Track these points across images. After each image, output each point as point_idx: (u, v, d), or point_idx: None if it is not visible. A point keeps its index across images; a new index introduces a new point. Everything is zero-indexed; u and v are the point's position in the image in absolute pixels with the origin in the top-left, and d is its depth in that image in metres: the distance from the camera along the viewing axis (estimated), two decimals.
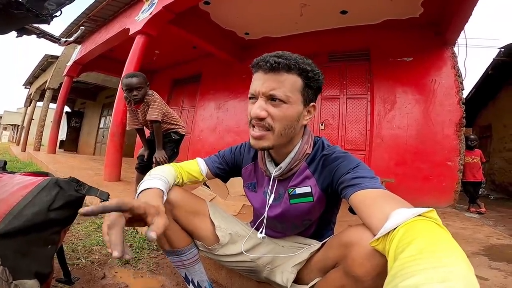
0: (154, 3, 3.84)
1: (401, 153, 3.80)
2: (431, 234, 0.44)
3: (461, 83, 3.61)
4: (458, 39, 3.66)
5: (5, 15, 0.84)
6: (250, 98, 0.77)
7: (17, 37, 1.06)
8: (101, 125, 11.07)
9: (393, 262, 0.42)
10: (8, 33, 0.99)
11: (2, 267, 0.59)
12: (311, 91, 0.77)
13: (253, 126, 0.76)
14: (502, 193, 6.68)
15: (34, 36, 1.11)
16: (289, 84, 0.72)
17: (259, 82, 0.73)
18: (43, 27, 1.09)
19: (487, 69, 6.59)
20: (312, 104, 0.79)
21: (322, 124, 4.49)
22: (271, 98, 0.72)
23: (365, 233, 0.58)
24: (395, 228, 0.48)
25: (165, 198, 0.77)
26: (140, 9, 4.23)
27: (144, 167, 2.25)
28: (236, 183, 2.77)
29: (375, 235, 0.53)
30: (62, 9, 0.97)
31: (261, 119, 0.72)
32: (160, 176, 0.82)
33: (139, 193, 0.76)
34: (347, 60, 4.48)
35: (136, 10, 4.38)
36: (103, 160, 4.29)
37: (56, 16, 0.97)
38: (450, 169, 3.52)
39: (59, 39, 1.24)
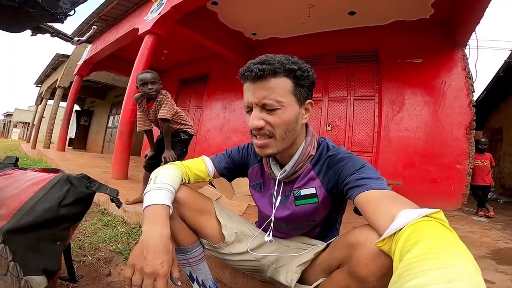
0: (163, 3, 3.88)
1: (409, 156, 3.76)
2: (437, 235, 0.43)
3: (472, 85, 3.55)
4: (469, 40, 3.60)
5: (21, 13, 0.86)
6: (246, 111, 0.77)
7: (31, 35, 1.08)
8: (110, 124, 11.22)
9: (399, 262, 0.42)
10: (23, 31, 1.01)
11: (13, 262, 0.60)
12: (303, 89, 0.75)
13: (255, 136, 0.76)
14: (511, 197, 6.55)
15: (48, 35, 1.13)
16: (279, 89, 0.71)
17: (249, 92, 0.74)
18: (57, 26, 1.11)
19: (498, 71, 6.47)
20: (308, 101, 0.78)
21: (329, 126, 4.47)
22: (265, 106, 0.72)
23: (370, 234, 0.58)
24: (401, 229, 0.48)
25: (171, 211, 0.77)
26: (149, 9, 4.28)
27: (152, 166, 2.28)
28: (242, 183, 2.78)
29: (380, 236, 0.53)
30: (75, 8, 0.98)
31: (260, 128, 0.73)
32: (166, 186, 0.80)
33: (144, 208, 0.74)
34: (355, 61, 4.45)
35: (145, 10, 4.43)
36: (111, 158, 4.35)
37: (70, 15, 0.98)
38: (459, 172, 3.47)
39: (72, 38, 1.26)
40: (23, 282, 0.60)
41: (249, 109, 0.76)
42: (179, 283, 0.68)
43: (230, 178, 1.04)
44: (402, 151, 3.82)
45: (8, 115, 36.93)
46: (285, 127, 0.74)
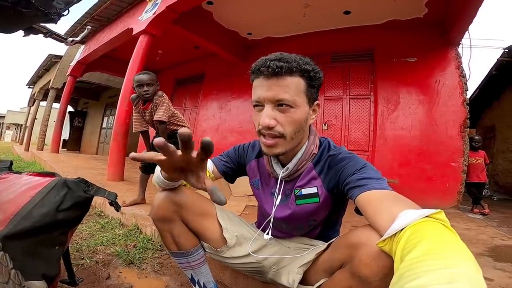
0: (158, 3, 3.85)
1: (405, 154, 3.79)
2: (438, 235, 0.43)
3: (465, 84, 3.60)
4: (462, 39, 3.64)
5: (14, 14, 0.84)
6: (255, 106, 0.76)
7: (24, 36, 1.06)
8: (104, 125, 11.11)
9: (400, 263, 0.42)
10: (15, 32, 0.99)
11: (14, 270, 0.59)
12: (314, 89, 0.76)
13: (263, 135, 0.74)
14: (505, 194, 6.64)
15: (41, 36, 1.11)
16: (293, 87, 0.71)
17: (263, 88, 0.72)
18: (50, 26, 1.09)
19: (491, 69, 6.55)
20: (316, 103, 0.79)
21: (325, 125, 4.49)
22: (278, 104, 0.71)
23: (372, 234, 0.57)
24: (402, 229, 0.48)
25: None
26: (143, 9, 4.25)
27: (148, 167, 2.26)
28: (240, 183, 2.77)
29: (382, 236, 0.52)
30: (69, 8, 0.97)
31: (271, 127, 0.71)
32: None
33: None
34: (351, 61, 4.47)
35: (139, 10, 4.40)
36: (106, 159, 4.31)
37: (63, 15, 0.96)
38: (454, 170, 3.51)
39: (66, 39, 1.24)
40: None
41: (259, 105, 0.74)
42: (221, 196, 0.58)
43: (231, 178, 1.03)
44: (397, 150, 3.85)
45: (0, 117, 36.40)
46: (295, 127, 0.73)
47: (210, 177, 0.98)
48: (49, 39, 1.22)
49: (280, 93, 0.70)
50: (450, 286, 0.32)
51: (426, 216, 0.48)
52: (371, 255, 0.55)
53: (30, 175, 0.90)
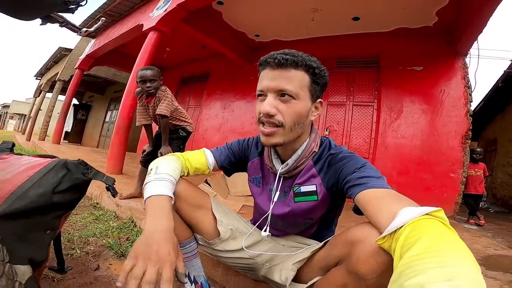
0: (169, 1, 3.89)
1: (405, 163, 3.77)
2: (438, 233, 0.43)
3: (470, 95, 3.58)
4: (470, 49, 3.61)
5: (35, 1, 0.86)
6: (258, 95, 0.77)
7: (41, 24, 1.09)
8: (107, 119, 11.16)
9: (399, 260, 0.42)
10: (34, 19, 1.01)
11: (1, 245, 0.58)
12: (318, 87, 0.78)
13: (263, 124, 0.76)
14: (502, 207, 6.60)
15: (57, 25, 1.14)
16: (297, 80, 0.73)
17: (268, 78, 0.74)
18: (66, 16, 1.12)
19: (497, 81, 6.45)
20: (319, 100, 0.80)
21: (327, 130, 4.48)
22: (281, 94, 0.73)
23: (371, 231, 0.57)
24: (401, 227, 0.48)
25: (172, 203, 0.75)
26: (155, 5, 4.30)
27: (148, 161, 2.27)
28: (237, 183, 2.77)
29: (381, 233, 0.52)
30: None
31: (271, 116, 0.73)
32: (168, 176, 0.79)
33: (147, 198, 0.72)
34: (356, 67, 4.47)
35: (151, 7, 4.44)
36: (106, 153, 4.32)
37: (81, 5, 0.99)
38: (453, 181, 3.49)
39: (80, 29, 1.27)
40: (7, 266, 0.58)
41: (262, 95, 0.76)
42: (186, 280, 0.65)
43: (229, 172, 1.02)
44: (398, 158, 3.83)
45: (5, 106, 36.68)
46: (295, 119, 0.74)
47: (207, 173, 0.98)
48: (63, 29, 1.25)
49: (283, 83, 0.72)
50: (449, 283, 0.32)
51: (426, 214, 0.48)
52: (370, 252, 0.55)
53: (30, 156, 0.90)
